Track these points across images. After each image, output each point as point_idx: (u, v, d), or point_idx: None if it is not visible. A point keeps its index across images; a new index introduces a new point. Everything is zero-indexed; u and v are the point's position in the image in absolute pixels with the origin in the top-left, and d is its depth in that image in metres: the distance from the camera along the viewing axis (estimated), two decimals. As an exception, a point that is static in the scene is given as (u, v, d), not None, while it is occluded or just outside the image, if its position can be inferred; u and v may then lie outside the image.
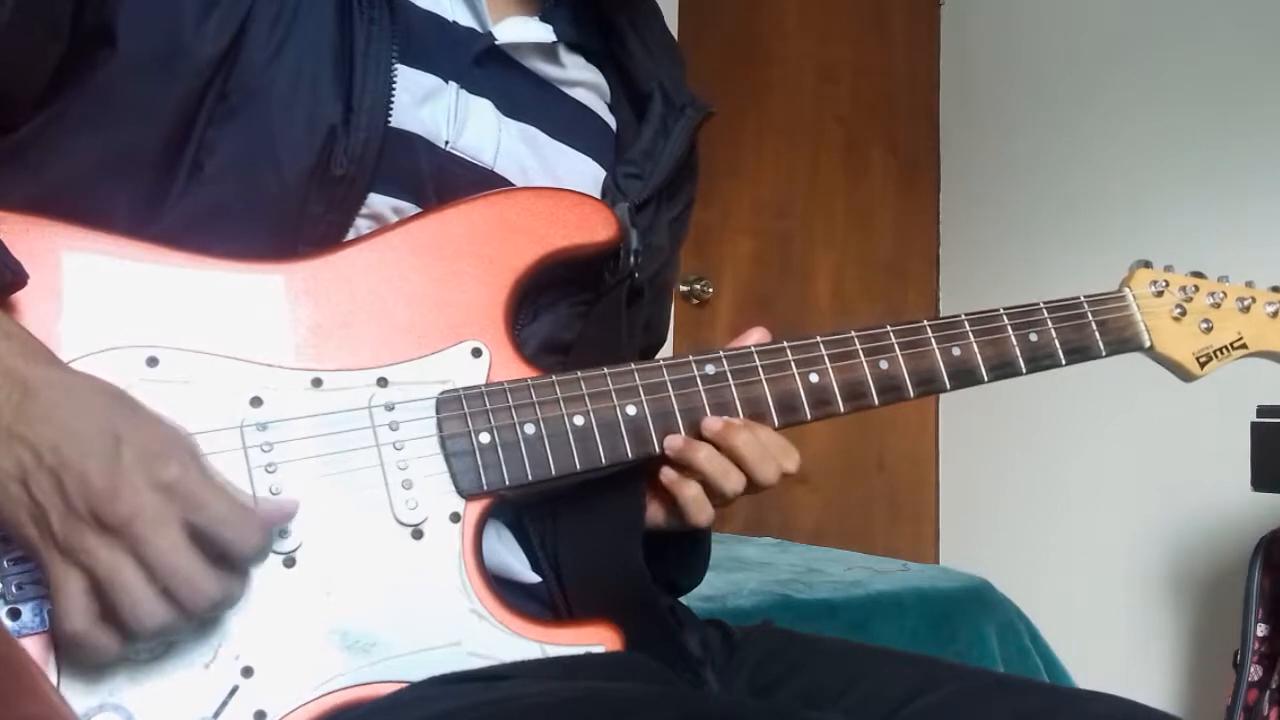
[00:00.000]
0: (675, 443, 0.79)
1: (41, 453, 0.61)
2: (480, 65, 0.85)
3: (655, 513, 0.86)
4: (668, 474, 0.82)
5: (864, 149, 3.16)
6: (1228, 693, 1.94)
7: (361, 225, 0.78)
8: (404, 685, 0.69)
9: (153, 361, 0.70)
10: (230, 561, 0.65)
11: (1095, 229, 2.72)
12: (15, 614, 0.65)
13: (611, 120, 0.94)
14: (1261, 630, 1.91)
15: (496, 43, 0.86)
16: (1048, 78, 2.92)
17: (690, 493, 0.82)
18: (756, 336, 0.85)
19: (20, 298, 0.68)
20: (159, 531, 0.62)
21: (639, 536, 0.84)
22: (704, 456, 0.80)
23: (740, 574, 1.67)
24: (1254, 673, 1.91)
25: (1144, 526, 2.57)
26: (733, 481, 0.81)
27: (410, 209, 0.80)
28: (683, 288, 2.82)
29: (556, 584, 0.82)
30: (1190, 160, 2.56)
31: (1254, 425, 1.91)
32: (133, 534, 0.61)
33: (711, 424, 0.80)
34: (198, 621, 0.65)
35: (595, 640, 0.75)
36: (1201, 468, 2.43)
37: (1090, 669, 1.74)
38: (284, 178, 0.75)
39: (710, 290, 2.86)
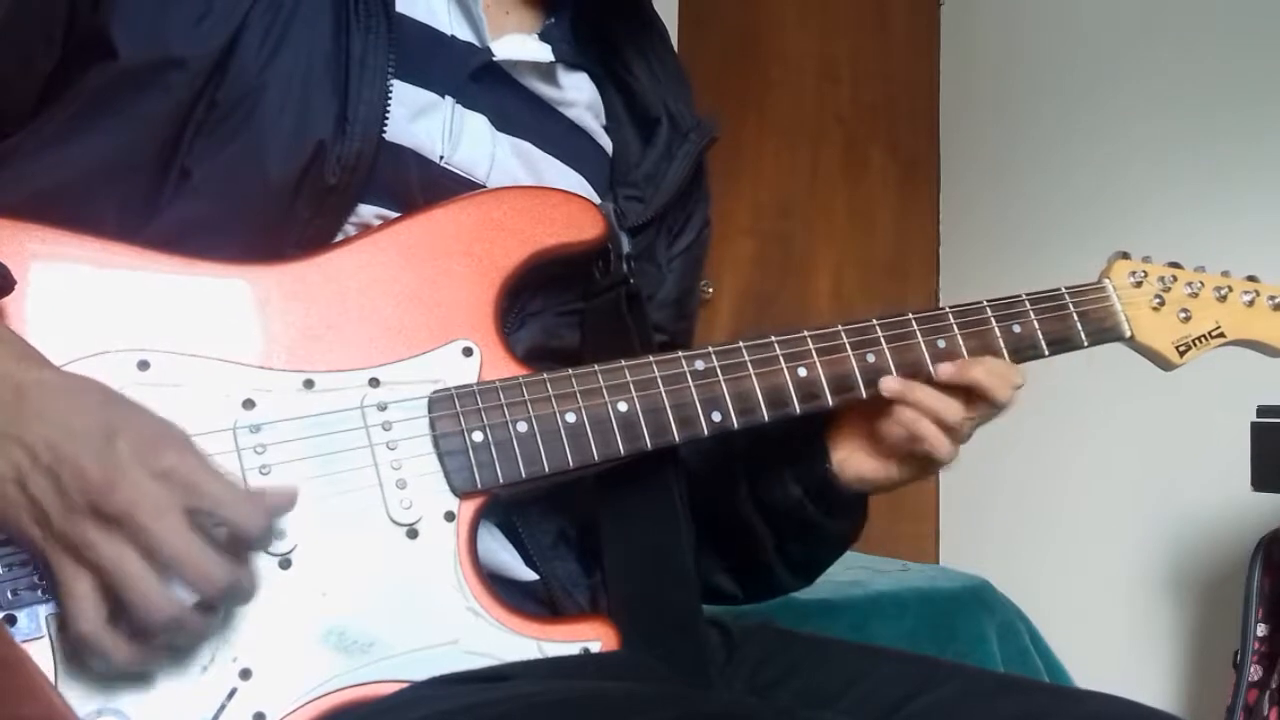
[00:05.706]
0: (891, 384, 0.83)
1: (37, 452, 0.61)
2: (476, 80, 0.85)
3: (870, 468, 0.89)
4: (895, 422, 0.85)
5: (864, 149, 3.15)
6: (1228, 693, 1.93)
7: (349, 231, 0.78)
8: (403, 684, 0.69)
9: (144, 365, 0.70)
10: (235, 545, 0.65)
11: (1096, 229, 2.72)
12: (11, 620, 0.64)
13: (607, 142, 0.93)
14: (1261, 630, 1.91)
15: (494, 59, 0.86)
16: (1048, 78, 2.92)
17: (928, 428, 0.85)
18: None
19: (8, 303, 0.68)
20: (160, 519, 0.61)
21: (687, 541, 0.84)
22: (923, 395, 0.84)
23: (740, 574, 1.66)
24: (1254, 673, 1.90)
25: (1144, 526, 2.56)
26: (954, 411, 0.85)
27: None
28: (682, 288, 2.81)
29: (601, 587, 0.83)
30: (1192, 161, 2.55)
31: (1254, 425, 1.90)
32: (134, 524, 0.61)
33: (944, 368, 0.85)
34: (208, 618, 0.65)
35: (591, 636, 0.75)
36: (1201, 468, 2.42)
37: (1090, 669, 1.74)
38: (271, 186, 0.75)
39: (710, 290, 2.85)
